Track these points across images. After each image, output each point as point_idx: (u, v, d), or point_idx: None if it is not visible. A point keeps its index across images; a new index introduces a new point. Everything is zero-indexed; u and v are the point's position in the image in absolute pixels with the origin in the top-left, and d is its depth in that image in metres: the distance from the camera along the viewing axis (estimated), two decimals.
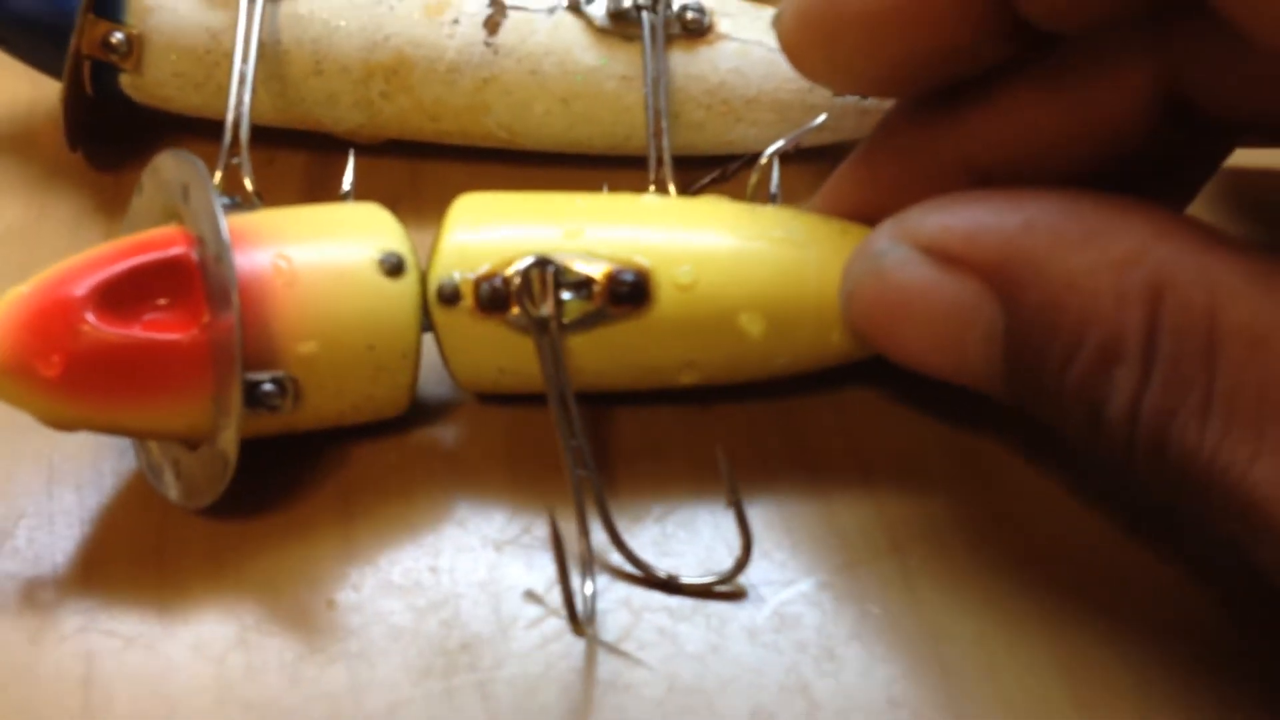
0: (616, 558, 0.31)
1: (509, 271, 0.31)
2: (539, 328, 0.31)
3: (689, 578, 0.31)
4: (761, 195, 0.36)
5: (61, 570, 0.32)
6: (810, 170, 0.39)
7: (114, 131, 0.41)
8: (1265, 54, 0.24)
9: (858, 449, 0.34)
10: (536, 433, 0.33)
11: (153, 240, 0.30)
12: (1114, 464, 0.26)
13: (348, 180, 0.35)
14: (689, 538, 0.32)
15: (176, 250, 0.30)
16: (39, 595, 0.31)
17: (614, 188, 0.37)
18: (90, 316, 0.29)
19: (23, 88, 0.42)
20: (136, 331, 0.29)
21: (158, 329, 0.30)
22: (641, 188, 0.36)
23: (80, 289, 0.29)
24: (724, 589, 0.31)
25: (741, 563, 0.30)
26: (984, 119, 0.30)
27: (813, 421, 0.34)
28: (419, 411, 0.34)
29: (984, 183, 0.31)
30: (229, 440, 0.30)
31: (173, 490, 0.32)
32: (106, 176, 0.40)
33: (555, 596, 0.30)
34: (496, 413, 0.34)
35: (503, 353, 0.32)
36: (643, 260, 0.31)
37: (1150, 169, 0.31)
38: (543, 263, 0.31)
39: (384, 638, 0.30)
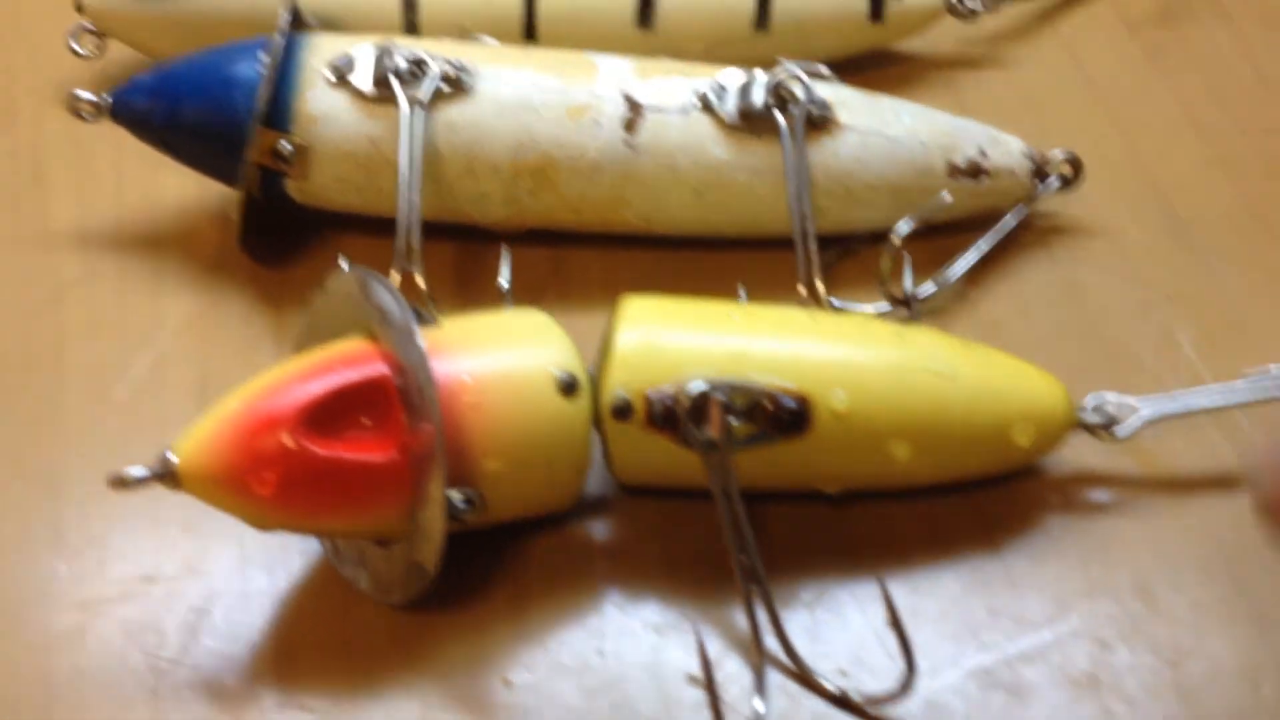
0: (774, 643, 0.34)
1: (681, 394, 0.33)
2: (707, 447, 0.33)
3: (855, 692, 0.33)
4: (895, 274, 0.39)
5: (258, 648, 0.35)
6: (925, 244, 0.42)
7: (274, 228, 0.43)
8: None
9: (994, 543, 0.36)
10: (687, 525, 0.36)
11: (351, 358, 0.33)
12: None
13: (505, 277, 0.38)
14: (839, 625, 0.35)
15: (377, 371, 0.33)
16: (240, 671, 0.34)
17: (743, 269, 0.41)
18: (301, 437, 0.32)
19: (189, 188, 0.45)
20: (343, 452, 0.32)
21: (361, 449, 0.32)
22: (770, 268, 0.39)
23: (290, 409, 0.32)
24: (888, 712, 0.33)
25: (906, 685, 0.32)
26: None
27: (954, 522, 0.37)
28: (577, 504, 0.37)
29: None
30: (429, 555, 0.33)
31: (361, 581, 0.35)
32: (269, 271, 0.43)
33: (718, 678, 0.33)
34: (648, 505, 0.37)
35: (667, 461, 0.35)
36: (804, 388, 0.34)
37: None
38: (714, 389, 0.33)
39: (559, 718, 0.33)
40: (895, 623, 0.32)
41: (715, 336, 0.35)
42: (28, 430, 0.39)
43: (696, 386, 0.33)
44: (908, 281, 0.40)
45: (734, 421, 0.33)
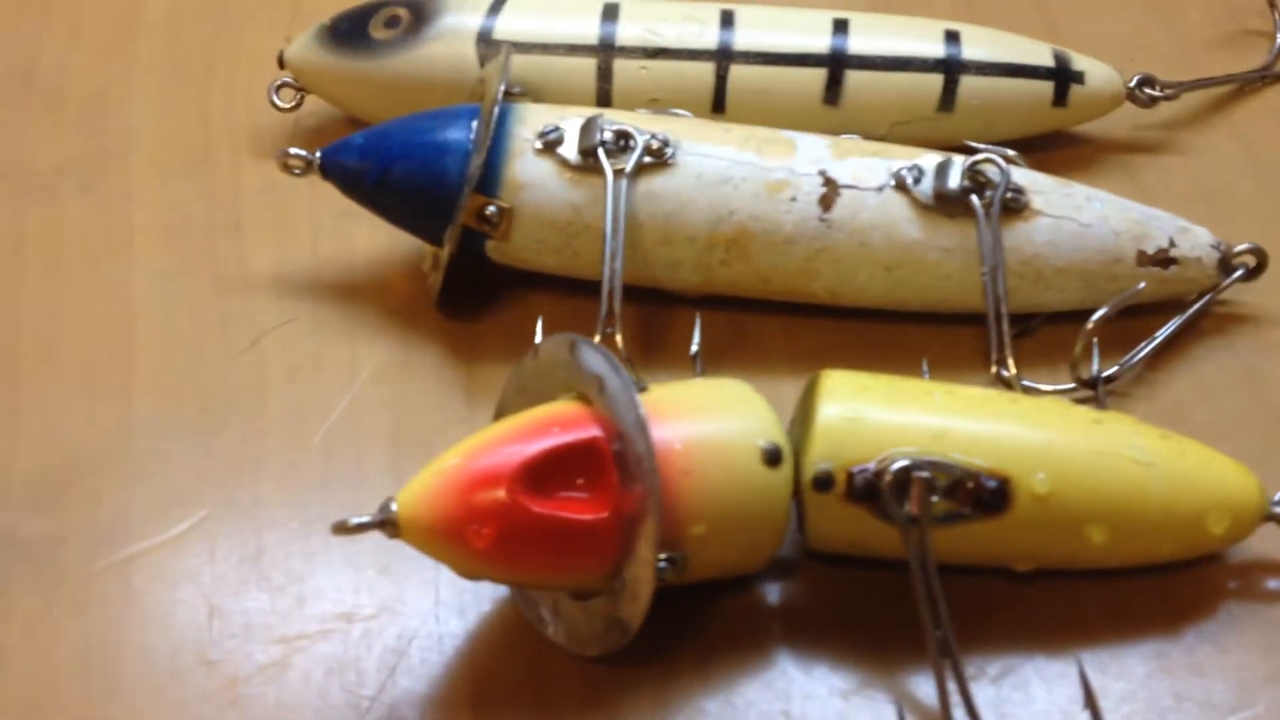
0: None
1: (884, 469, 0.34)
2: (907, 523, 0.34)
3: None
4: (1086, 357, 0.40)
5: (453, 690, 0.36)
6: (1108, 327, 0.42)
7: (465, 284, 0.45)
8: None
9: (1177, 628, 0.37)
10: (872, 592, 0.37)
11: (566, 420, 0.34)
12: None
13: (696, 341, 0.39)
14: (1024, 700, 0.35)
15: (592, 434, 0.34)
16: (435, 712, 0.36)
17: (925, 343, 0.42)
18: (519, 494, 0.33)
19: (380, 239, 0.47)
20: (558, 511, 0.33)
21: (575, 509, 0.34)
22: (952, 343, 0.41)
23: (510, 466, 0.33)
24: None
25: None
26: None
27: (1140, 604, 0.37)
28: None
29: None
30: (633, 614, 0.34)
31: (550, 628, 0.36)
32: (457, 324, 0.45)
33: None
34: (833, 571, 0.38)
35: (862, 533, 0.36)
36: (1005, 468, 0.35)
37: None
38: (916, 467, 0.34)
39: None
40: (1091, 703, 0.32)
41: (917, 414, 0.36)
42: (232, 468, 0.41)
43: (900, 463, 0.34)
44: (1095, 364, 0.41)
45: (934, 499, 0.34)
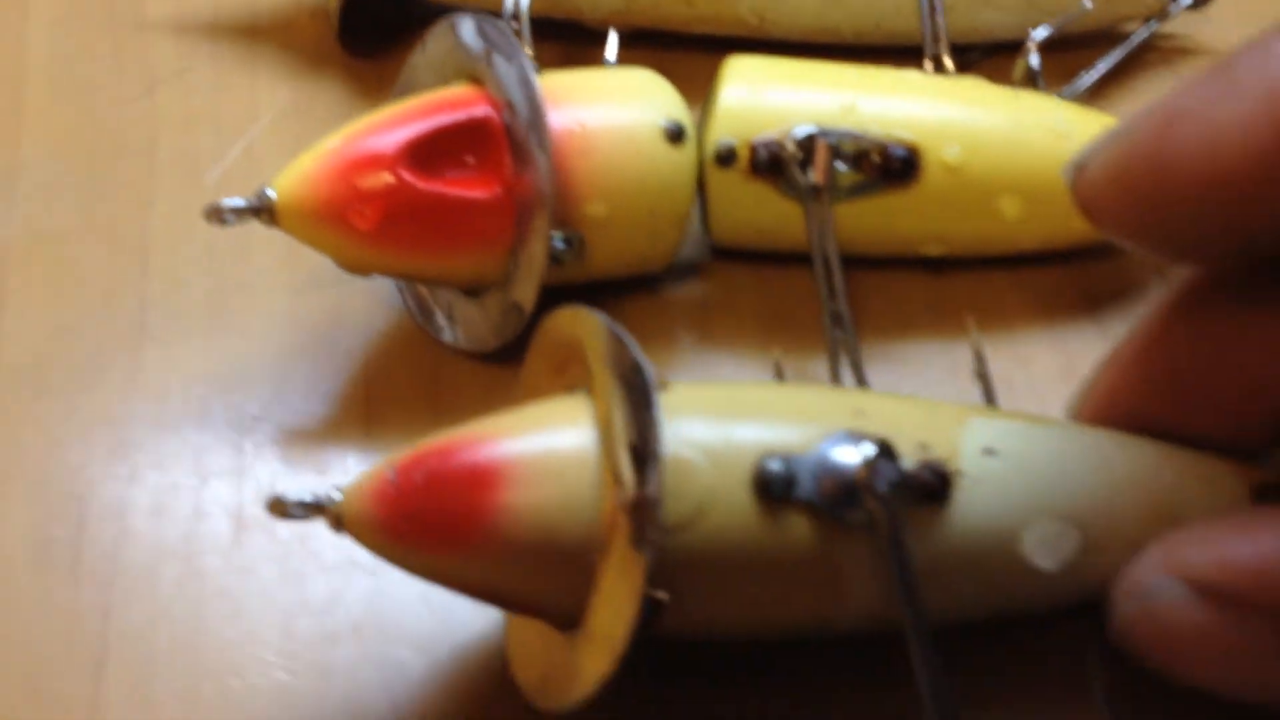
0: None
1: (787, 138, 0.33)
2: (810, 194, 0.33)
3: None
4: (1026, 81, 0.38)
5: (346, 408, 0.35)
6: (1049, 59, 0.40)
7: (372, 23, 0.43)
8: None
9: (1096, 316, 0.36)
10: (782, 289, 0.36)
11: (455, 100, 0.33)
12: None
13: (611, 55, 0.37)
14: (917, 375, 0.34)
15: (483, 111, 0.32)
16: (327, 429, 0.34)
17: None
18: (403, 172, 0.32)
19: None
20: (445, 188, 0.32)
21: (465, 186, 0.32)
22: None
23: (393, 145, 0.32)
24: None
25: None
26: None
27: (1051, 292, 0.36)
28: (670, 269, 0.36)
29: None
30: (527, 294, 0.32)
31: (447, 334, 0.35)
32: (364, 64, 0.43)
33: None
34: (742, 269, 0.36)
35: (766, 214, 0.34)
36: (915, 139, 0.33)
37: None
38: (822, 133, 0.33)
39: None
40: (982, 371, 0.31)
41: (825, 90, 0.34)
42: (121, 211, 0.39)
43: (804, 130, 0.33)
44: (1038, 78, 0.39)
45: (841, 167, 0.33)
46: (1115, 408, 0.29)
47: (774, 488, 0.25)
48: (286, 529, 0.32)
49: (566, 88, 0.34)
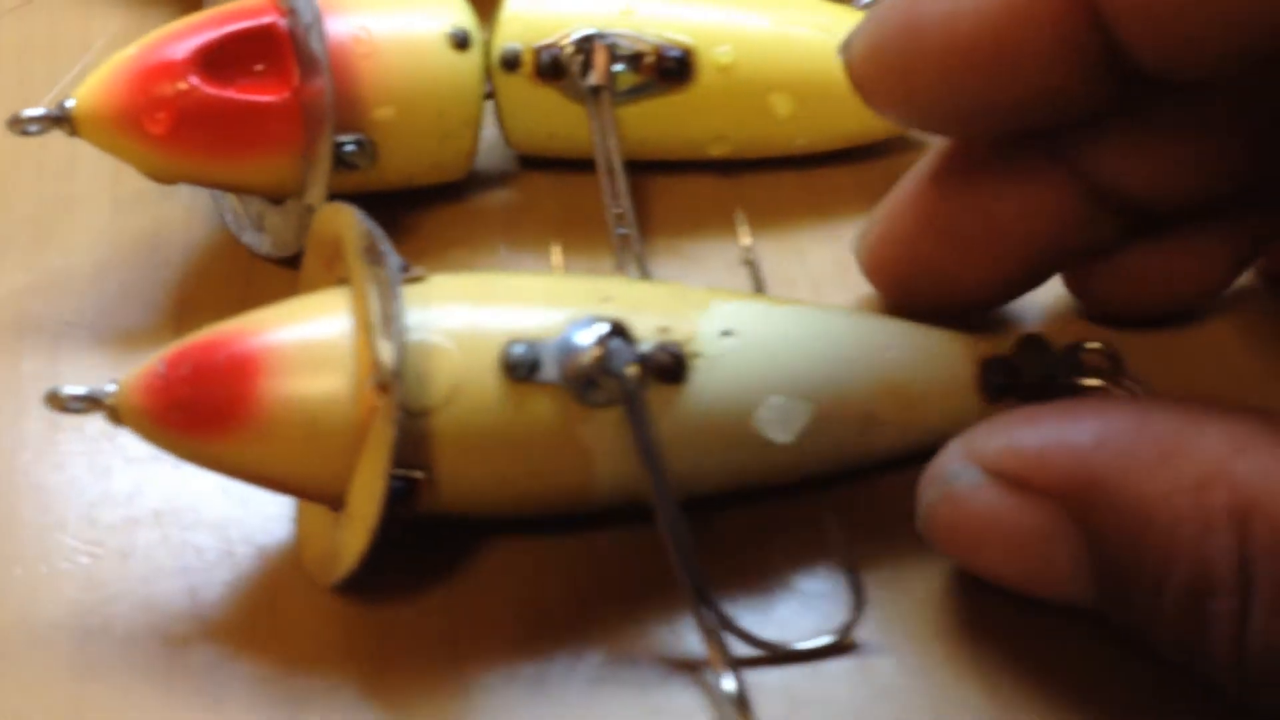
0: None
1: (567, 41, 0.34)
2: (592, 95, 0.34)
3: None
4: None
5: (158, 317, 0.36)
6: None
7: None
8: None
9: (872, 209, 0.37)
10: (580, 193, 0.37)
11: (245, 10, 0.34)
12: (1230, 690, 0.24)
13: None
14: (699, 267, 0.35)
15: (268, 19, 0.33)
16: (135, 335, 0.35)
17: None
18: (193, 78, 0.33)
19: None
20: (234, 93, 0.33)
21: (253, 91, 0.33)
22: None
23: (183, 52, 0.33)
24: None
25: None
26: (1091, 133, 0.28)
27: (834, 191, 0.38)
28: (475, 179, 0.38)
29: (1098, 197, 0.30)
30: (317, 195, 0.34)
31: (258, 245, 0.36)
32: None
33: None
34: (545, 176, 0.38)
35: (555, 117, 0.36)
36: (687, 39, 0.35)
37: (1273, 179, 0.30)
38: (598, 36, 0.34)
39: None
40: (749, 260, 0.32)
41: None
42: None
43: (581, 33, 0.34)
44: None
45: (619, 68, 0.34)
46: (888, 250, 0.31)
47: (519, 370, 0.27)
48: (94, 426, 0.33)
49: None
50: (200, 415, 0.27)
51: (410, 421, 0.26)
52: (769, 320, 0.29)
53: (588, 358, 0.27)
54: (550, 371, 0.27)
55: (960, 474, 0.26)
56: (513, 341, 0.27)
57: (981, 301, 0.31)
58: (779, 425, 0.28)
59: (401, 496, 0.27)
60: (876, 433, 0.29)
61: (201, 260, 0.37)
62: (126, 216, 0.38)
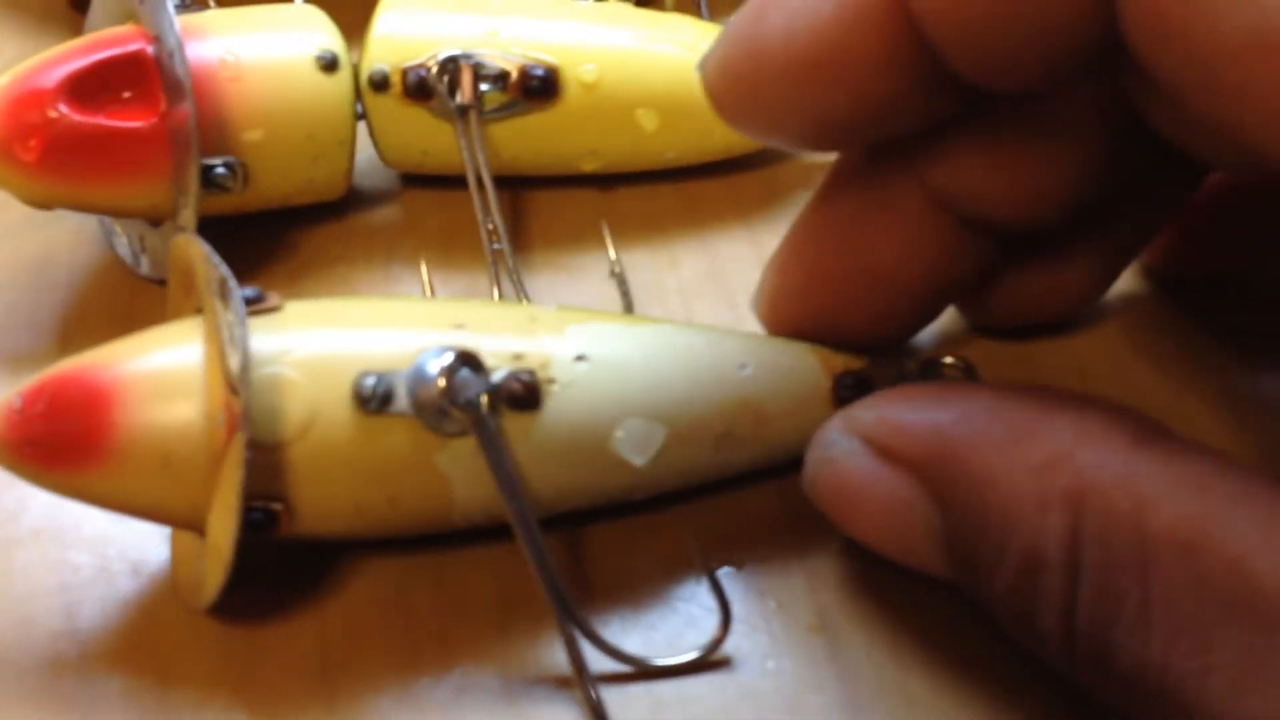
0: None
1: (433, 63, 0.35)
2: (460, 114, 0.35)
3: None
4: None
5: (41, 338, 0.36)
6: None
7: None
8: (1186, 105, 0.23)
9: (747, 222, 0.38)
10: (458, 209, 0.37)
11: (114, 38, 0.34)
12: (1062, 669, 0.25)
13: None
14: (577, 285, 0.36)
15: (135, 46, 0.33)
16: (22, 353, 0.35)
17: None
18: (62, 106, 0.33)
19: None
20: (103, 119, 0.33)
21: (121, 117, 0.33)
22: None
23: (51, 81, 0.33)
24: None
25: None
26: (945, 155, 0.29)
27: (708, 203, 0.38)
28: (358, 198, 0.38)
29: (966, 226, 0.30)
30: (188, 218, 0.34)
31: (140, 266, 0.36)
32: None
33: None
34: (426, 194, 0.38)
35: (426, 136, 0.36)
36: (552, 59, 0.35)
37: (1133, 188, 0.31)
38: (464, 56, 0.35)
39: None
40: (616, 273, 0.33)
41: (469, 17, 0.36)
42: None
43: (446, 54, 0.35)
44: None
45: (485, 87, 0.35)
46: (783, 304, 0.31)
47: (371, 403, 0.27)
48: None
49: (222, 21, 0.35)
50: (57, 450, 0.27)
51: (265, 455, 0.27)
52: (624, 343, 0.29)
53: (436, 389, 0.27)
54: (402, 402, 0.27)
55: (838, 441, 0.28)
56: (364, 373, 0.27)
57: (883, 339, 0.32)
58: (635, 448, 0.29)
59: (260, 526, 0.27)
60: (733, 449, 0.30)
61: (87, 283, 0.37)
62: (13, 240, 0.38)
